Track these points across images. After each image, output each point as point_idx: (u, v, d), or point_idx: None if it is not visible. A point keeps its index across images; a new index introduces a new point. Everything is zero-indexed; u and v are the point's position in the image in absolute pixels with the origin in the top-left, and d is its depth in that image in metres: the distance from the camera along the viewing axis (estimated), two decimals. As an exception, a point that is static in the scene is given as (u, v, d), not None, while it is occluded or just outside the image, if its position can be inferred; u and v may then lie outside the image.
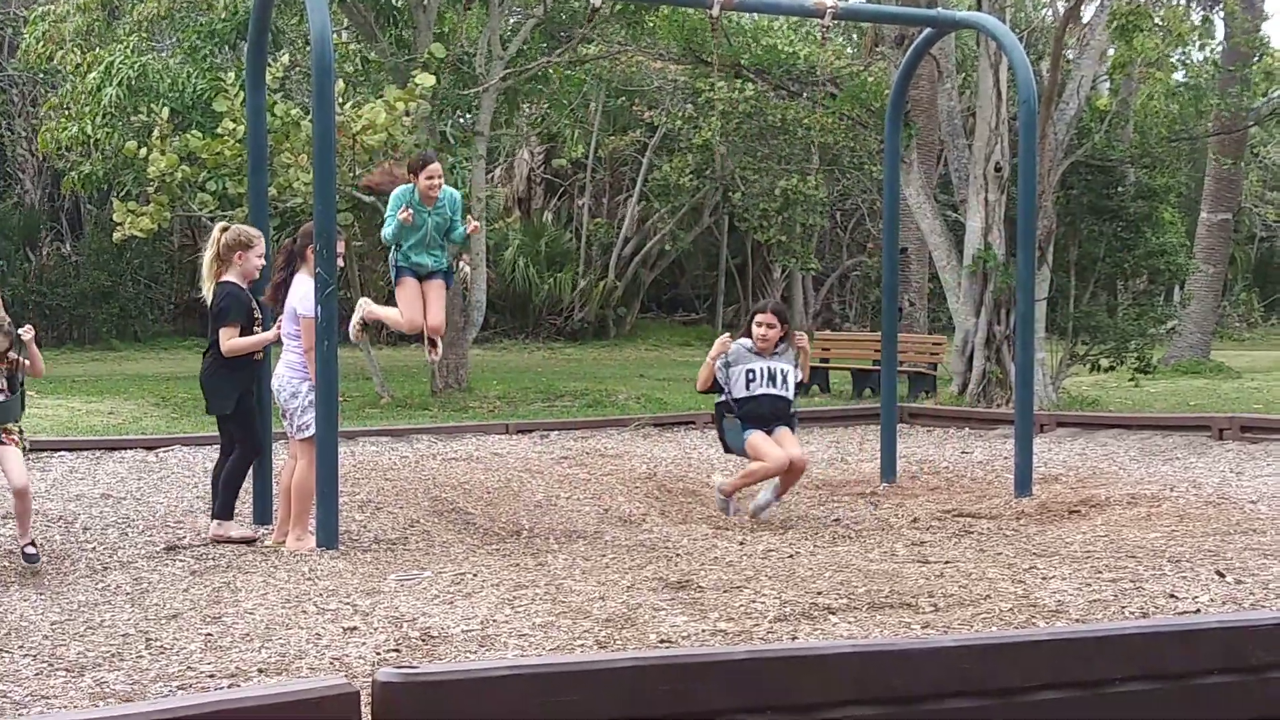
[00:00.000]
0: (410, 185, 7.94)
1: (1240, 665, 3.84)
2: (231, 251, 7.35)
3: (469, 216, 8.26)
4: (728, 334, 8.44)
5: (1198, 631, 3.96)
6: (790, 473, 8.12)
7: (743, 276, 35.76)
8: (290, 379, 7.28)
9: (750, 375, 8.13)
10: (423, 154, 8.28)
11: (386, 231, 7.96)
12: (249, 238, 7.40)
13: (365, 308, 8.27)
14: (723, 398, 8.19)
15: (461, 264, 18.94)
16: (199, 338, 27.04)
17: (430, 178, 7.89)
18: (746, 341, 8.23)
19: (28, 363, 6.90)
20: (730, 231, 33.17)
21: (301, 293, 7.20)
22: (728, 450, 8.44)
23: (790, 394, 8.25)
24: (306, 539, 7.11)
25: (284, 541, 7.17)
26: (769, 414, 8.15)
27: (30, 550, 6.60)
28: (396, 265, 8.06)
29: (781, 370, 8.19)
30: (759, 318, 8.24)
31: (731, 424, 8.19)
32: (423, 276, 8.07)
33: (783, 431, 8.19)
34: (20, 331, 6.84)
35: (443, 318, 8.24)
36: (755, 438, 8.06)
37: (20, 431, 6.94)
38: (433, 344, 8.27)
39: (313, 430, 7.17)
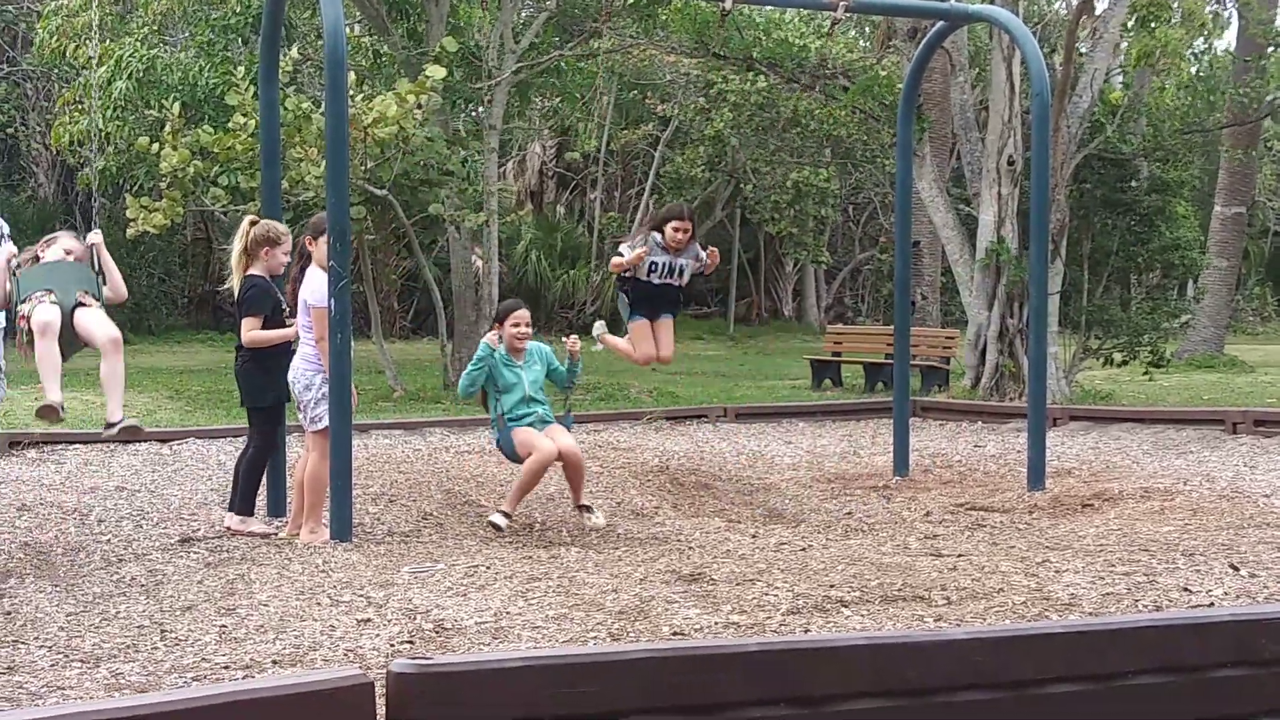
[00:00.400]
0: (485, 341, 7.66)
1: (1253, 658, 3.84)
2: (259, 246, 7.36)
3: (571, 347, 8.07)
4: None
5: (1210, 625, 3.95)
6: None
7: (755, 271, 35.75)
8: (304, 371, 7.29)
9: (653, 267, 8.31)
10: (509, 302, 8.06)
11: (462, 385, 7.75)
12: (277, 234, 7.42)
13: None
14: (629, 274, 8.41)
15: (474, 258, 18.98)
16: (213, 331, 27.15)
17: (516, 325, 7.67)
18: (658, 237, 8.36)
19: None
20: (742, 225, 33.16)
21: (313, 285, 7.22)
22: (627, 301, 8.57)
23: (682, 283, 8.49)
24: (320, 531, 7.13)
25: (298, 534, 7.20)
26: (659, 301, 8.42)
27: (131, 423, 6.97)
28: (509, 426, 7.64)
29: (681, 265, 8.38)
30: (675, 222, 8.34)
31: (623, 302, 8.48)
32: (547, 420, 7.76)
33: (666, 320, 8.45)
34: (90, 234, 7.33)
35: (574, 444, 7.77)
36: (635, 325, 8.41)
37: (99, 303, 7.06)
38: (587, 509, 7.69)
39: (326, 422, 7.17)
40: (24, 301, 6.94)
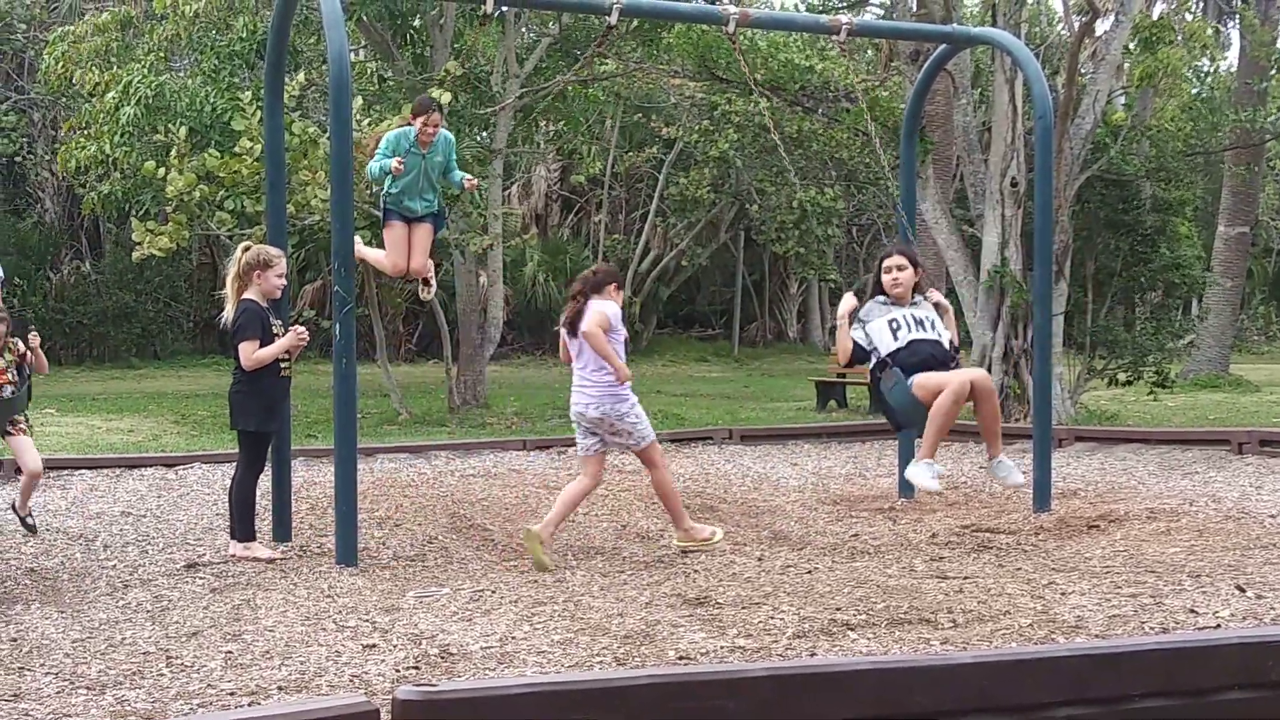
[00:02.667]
0: (404, 129, 8.01)
1: (1261, 681, 3.83)
2: (251, 270, 7.39)
3: (467, 177, 8.29)
4: (851, 292, 7.66)
5: (1217, 647, 3.94)
6: (982, 401, 7.11)
7: (760, 292, 35.79)
8: (612, 400, 7.34)
9: (894, 324, 7.29)
10: (425, 99, 8.28)
11: (371, 168, 7.95)
12: (269, 257, 7.45)
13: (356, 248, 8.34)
14: (873, 362, 7.33)
15: (480, 279, 19.02)
16: (218, 355, 27.20)
17: (427, 124, 7.95)
18: (879, 296, 7.44)
19: (32, 358, 7.58)
20: (747, 247, 33.22)
21: (608, 313, 7.44)
22: (897, 419, 7.50)
23: (945, 340, 7.33)
24: (696, 529, 7.45)
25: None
26: (929, 359, 7.20)
27: (30, 521, 7.66)
28: (385, 207, 8.15)
29: (928, 318, 7.33)
30: (887, 262, 7.40)
31: (890, 378, 7.23)
32: (411, 220, 8.14)
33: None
34: (29, 336, 7.61)
35: (426, 261, 8.27)
36: (920, 376, 7.11)
37: (27, 421, 7.67)
38: (425, 283, 8.41)
39: (651, 436, 7.42)
40: None
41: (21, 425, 7.59)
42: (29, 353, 7.56)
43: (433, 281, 8.51)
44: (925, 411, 7.14)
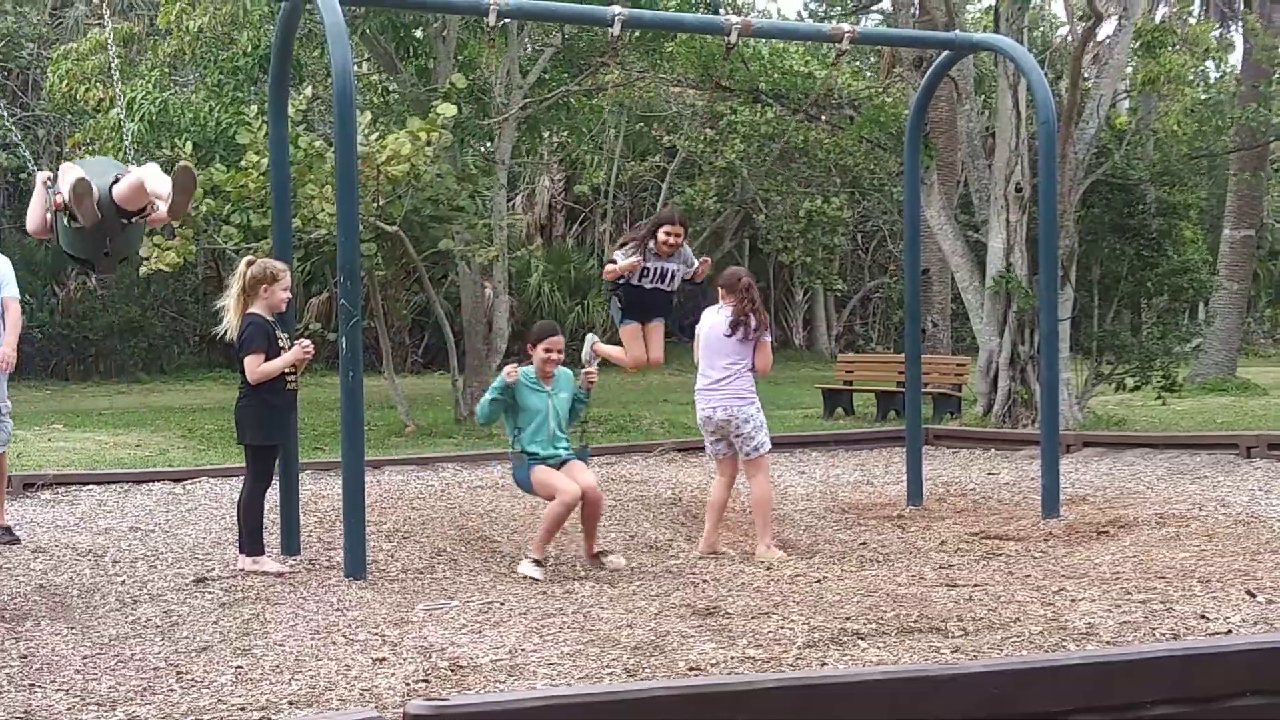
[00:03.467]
0: (505, 379, 7.44)
1: (1272, 687, 3.82)
2: (258, 285, 7.39)
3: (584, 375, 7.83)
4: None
5: (1229, 653, 3.93)
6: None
7: (765, 300, 35.79)
8: (742, 405, 7.87)
9: (644, 272, 8.28)
10: (547, 323, 7.89)
11: (480, 408, 7.59)
12: (275, 271, 7.45)
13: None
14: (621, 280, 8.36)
15: (486, 289, 19.03)
16: (224, 370, 27.22)
17: (549, 350, 7.49)
18: (650, 244, 8.35)
19: None
20: (752, 255, 33.21)
21: (712, 321, 7.92)
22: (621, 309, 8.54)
23: (672, 288, 8.47)
24: (773, 548, 7.67)
25: (712, 551, 7.74)
26: (650, 305, 8.39)
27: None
28: (528, 465, 7.42)
29: (672, 270, 8.37)
30: (667, 228, 8.29)
31: (615, 308, 8.51)
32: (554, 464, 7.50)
33: (656, 324, 8.50)
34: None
35: (592, 484, 7.50)
36: (626, 329, 8.45)
37: None
38: (603, 554, 7.55)
39: (766, 449, 7.89)
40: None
41: None
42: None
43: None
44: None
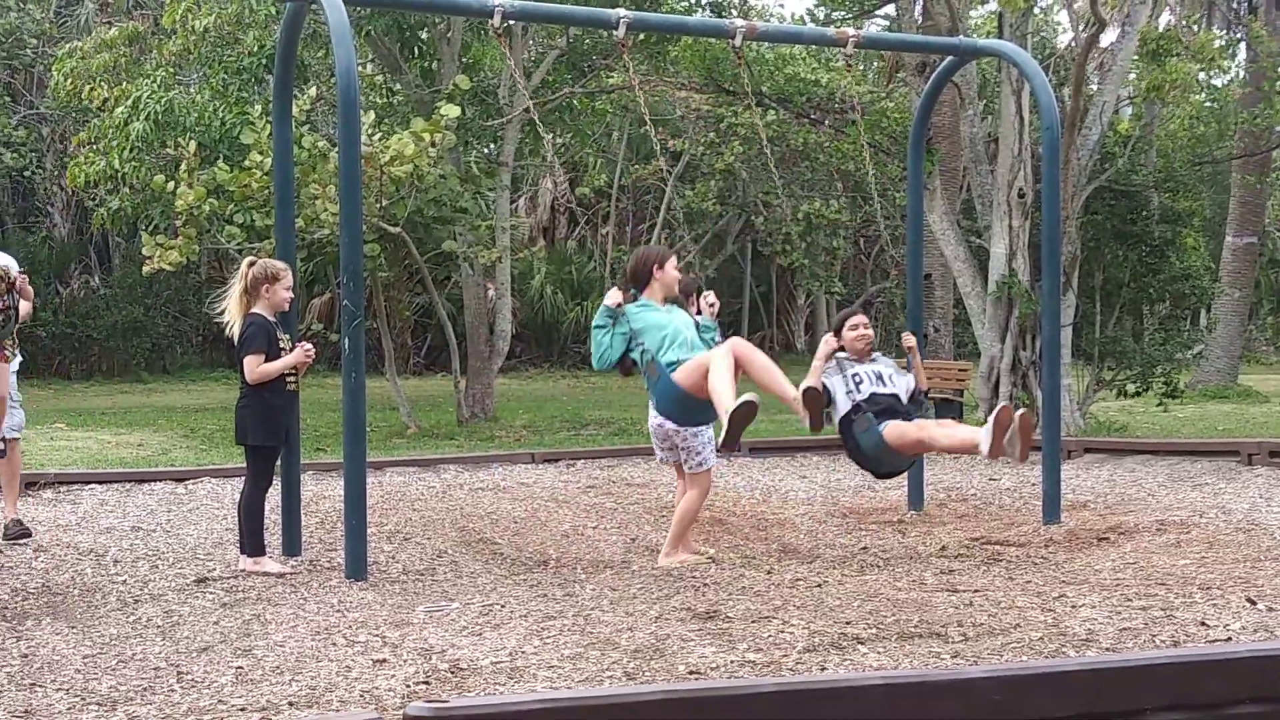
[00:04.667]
0: (609, 306, 7.25)
1: (1273, 694, 3.82)
2: (259, 285, 7.41)
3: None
4: (832, 334, 7.75)
5: (1230, 660, 3.94)
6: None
7: (767, 304, 35.81)
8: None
9: (856, 379, 7.45)
10: (691, 279, 7.72)
11: (595, 354, 7.36)
12: (276, 270, 7.46)
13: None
14: (840, 414, 7.39)
15: (489, 291, 19.04)
16: (227, 369, 27.27)
17: (678, 269, 7.35)
18: (840, 353, 7.62)
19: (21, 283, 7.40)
20: (754, 259, 33.23)
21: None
22: (869, 464, 7.39)
23: (903, 392, 7.48)
24: (673, 555, 7.48)
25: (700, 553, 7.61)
26: (887, 410, 7.29)
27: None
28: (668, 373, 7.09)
29: (884, 373, 7.52)
30: (853, 320, 7.68)
31: (863, 423, 7.23)
32: None
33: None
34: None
35: None
36: (891, 425, 7.13)
37: (15, 346, 7.45)
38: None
39: (708, 465, 7.61)
40: None
41: (4, 353, 7.31)
42: (19, 278, 7.37)
43: None
44: (895, 455, 7.25)
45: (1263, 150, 21.59)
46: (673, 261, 7.43)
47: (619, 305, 7.22)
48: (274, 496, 7.67)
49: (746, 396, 6.62)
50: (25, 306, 7.96)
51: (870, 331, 7.71)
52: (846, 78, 18.35)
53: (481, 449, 14.09)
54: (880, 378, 7.50)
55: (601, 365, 7.33)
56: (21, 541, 8.10)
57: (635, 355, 7.20)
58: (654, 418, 7.79)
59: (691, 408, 7.11)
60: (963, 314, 17.85)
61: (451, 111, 14.32)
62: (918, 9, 17.30)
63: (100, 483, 10.67)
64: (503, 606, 6.16)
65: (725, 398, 6.70)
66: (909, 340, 8.00)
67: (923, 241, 10.67)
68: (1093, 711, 3.64)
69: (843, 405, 7.39)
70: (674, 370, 6.96)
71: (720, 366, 6.78)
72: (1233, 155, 21.40)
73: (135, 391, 24.81)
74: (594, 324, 7.34)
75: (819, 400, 7.04)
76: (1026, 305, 14.54)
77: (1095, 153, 15.05)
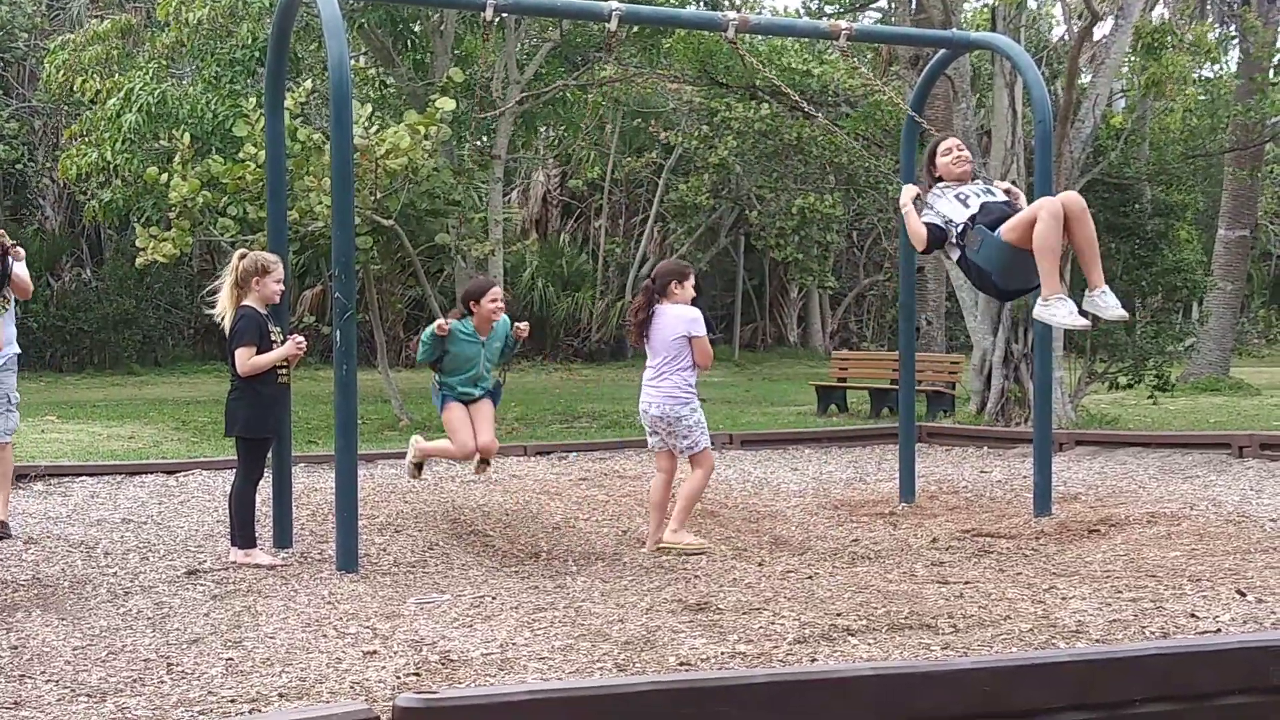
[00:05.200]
0: (458, 323, 7.97)
1: (1262, 685, 3.83)
2: (250, 277, 7.40)
3: (515, 327, 8.27)
4: (911, 183, 7.62)
5: (1219, 652, 3.95)
6: (1076, 223, 6.71)
7: (760, 297, 35.81)
8: (675, 403, 7.75)
9: (962, 197, 7.13)
10: (482, 280, 8.24)
11: (419, 355, 8.02)
12: (267, 263, 7.45)
13: (417, 445, 8.46)
14: (953, 235, 7.08)
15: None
16: (218, 362, 27.23)
17: (495, 301, 7.98)
18: (938, 184, 7.32)
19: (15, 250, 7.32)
20: (747, 252, 33.24)
21: (689, 317, 7.71)
22: (997, 281, 7.00)
23: (1012, 201, 7.16)
24: (682, 534, 7.64)
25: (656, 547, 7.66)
26: (1006, 217, 6.95)
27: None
28: (442, 395, 8.14)
29: (993, 189, 7.24)
30: (944, 144, 7.33)
31: (975, 239, 6.96)
32: (469, 401, 8.19)
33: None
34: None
35: (493, 437, 8.28)
36: (1005, 224, 6.84)
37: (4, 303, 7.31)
38: (484, 463, 8.50)
39: (703, 445, 7.75)
40: None
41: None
42: (13, 247, 7.34)
43: (490, 463, 8.57)
44: (1024, 257, 6.78)
45: (1255, 143, 21.61)
46: (490, 293, 8.05)
47: (441, 336, 8.00)
48: (265, 489, 7.67)
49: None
50: (21, 270, 7.97)
51: (967, 152, 7.36)
52: (839, 70, 18.35)
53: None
54: (988, 190, 7.19)
55: (420, 361, 8.31)
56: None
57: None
58: (643, 404, 7.87)
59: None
60: (955, 307, 17.87)
61: (446, 105, 14.31)
62: (911, 2, 17.30)
63: (91, 475, 10.66)
64: (494, 598, 6.16)
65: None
66: (1002, 185, 7.40)
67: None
68: (1083, 702, 3.65)
69: (959, 225, 7.03)
70: (449, 400, 8.14)
71: (448, 453, 8.41)
72: (1225, 149, 21.43)
73: (127, 384, 24.77)
74: (424, 338, 8.12)
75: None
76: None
77: (1088, 146, 15.06)
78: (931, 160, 7.45)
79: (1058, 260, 6.83)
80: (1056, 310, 6.82)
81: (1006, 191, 7.32)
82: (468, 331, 8.02)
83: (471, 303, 8.05)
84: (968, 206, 7.06)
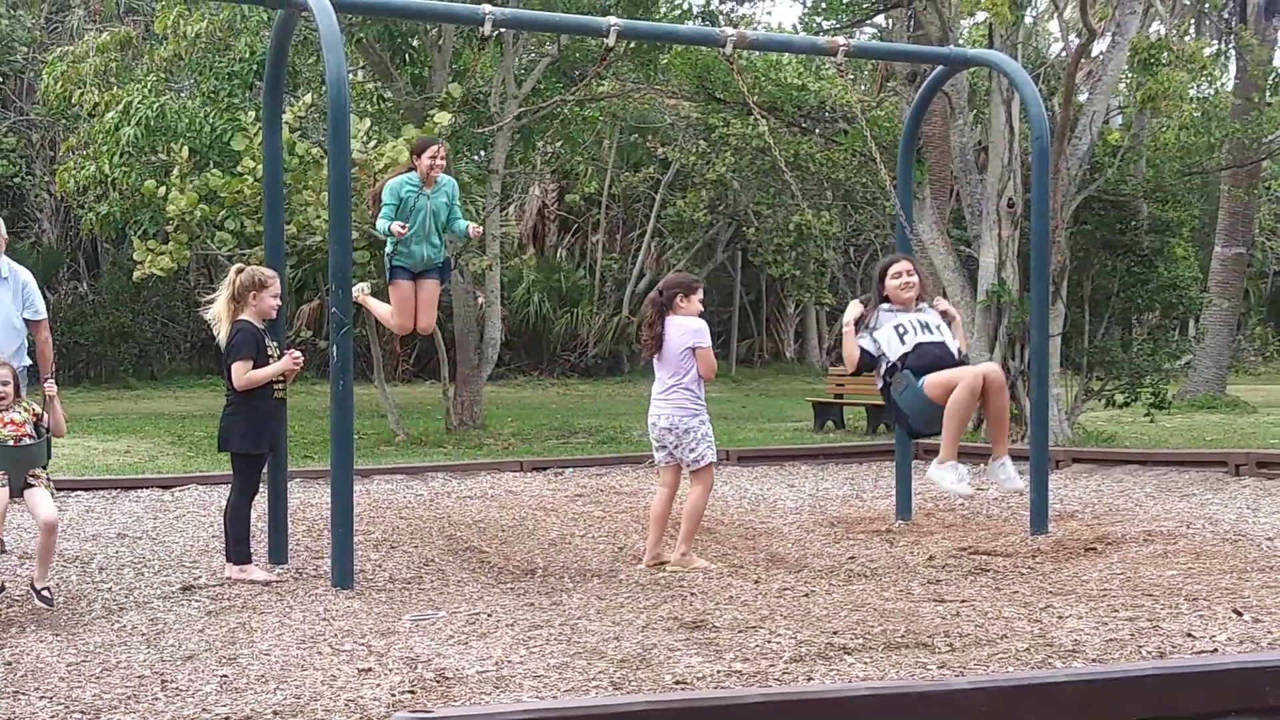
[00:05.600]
0: (405, 175, 8.18)
1: (1258, 705, 3.82)
2: (247, 291, 7.40)
3: (472, 225, 8.44)
4: (856, 300, 7.81)
5: (1216, 672, 3.94)
6: (992, 396, 7.09)
7: (757, 312, 35.82)
8: (683, 416, 7.67)
9: (900, 329, 7.42)
10: (427, 137, 8.44)
11: (380, 224, 8.05)
12: (264, 278, 7.45)
13: (361, 295, 8.42)
14: (882, 368, 7.41)
15: (478, 299, 19.03)
16: (215, 376, 27.21)
17: (434, 158, 8.10)
18: (884, 305, 7.59)
19: (50, 419, 6.98)
20: (744, 267, 33.25)
21: (693, 328, 7.67)
22: (910, 423, 7.45)
23: (952, 346, 7.44)
24: (691, 557, 7.64)
25: (655, 564, 7.67)
26: (938, 361, 7.28)
27: (46, 594, 6.60)
28: (391, 264, 8.21)
29: (934, 323, 7.49)
30: (895, 268, 7.57)
31: (901, 381, 7.33)
32: (417, 274, 8.26)
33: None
34: (45, 386, 7.07)
35: (432, 320, 8.45)
36: (931, 375, 7.21)
37: (47, 476, 6.99)
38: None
39: (709, 460, 7.68)
40: None
41: (40, 478, 6.86)
42: (45, 413, 6.96)
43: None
44: (939, 411, 7.19)
45: (1251, 161, 21.66)
46: (430, 150, 8.12)
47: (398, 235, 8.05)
48: (260, 504, 7.66)
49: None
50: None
51: (915, 278, 7.56)
52: (838, 85, 18.37)
53: (470, 457, 14.07)
54: (927, 326, 7.45)
55: (380, 233, 8.23)
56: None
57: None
58: (652, 417, 7.90)
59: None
60: (952, 323, 17.82)
61: (444, 119, 14.32)
62: (909, 18, 17.33)
63: (86, 490, 10.64)
64: (489, 615, 6.15)
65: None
66: (942, 304, 7.76)
67: (912, 250, 10.67)
68: (1078, 723, 3.65)
69: (889, 361, 7.40)
70: (396, 275, 8.16)
71: (391, 322, 8.26)
72: (1222, 166, 21.48)
73: (122, 398, 24.74)
74: (383, 214, 8.10)
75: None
76: (1015, 315, 14.57)
77: (1085, 162, 15.08)
78: (881, 279, 7.71)
79: (962, 428, 7.30)
80: (947, 475, 7.26)
81: (944, 314, 7.67)
82: (414, 183, 8.13)
83: (414, 158, 8.22)
84: (904, 344, 7.44)
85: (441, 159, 8.17)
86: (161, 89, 17.47)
